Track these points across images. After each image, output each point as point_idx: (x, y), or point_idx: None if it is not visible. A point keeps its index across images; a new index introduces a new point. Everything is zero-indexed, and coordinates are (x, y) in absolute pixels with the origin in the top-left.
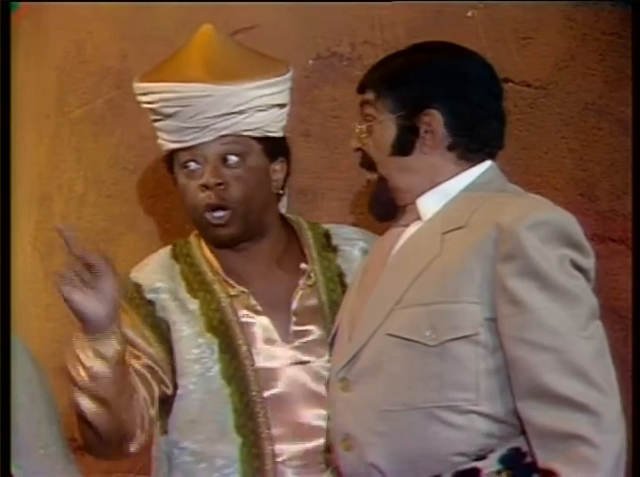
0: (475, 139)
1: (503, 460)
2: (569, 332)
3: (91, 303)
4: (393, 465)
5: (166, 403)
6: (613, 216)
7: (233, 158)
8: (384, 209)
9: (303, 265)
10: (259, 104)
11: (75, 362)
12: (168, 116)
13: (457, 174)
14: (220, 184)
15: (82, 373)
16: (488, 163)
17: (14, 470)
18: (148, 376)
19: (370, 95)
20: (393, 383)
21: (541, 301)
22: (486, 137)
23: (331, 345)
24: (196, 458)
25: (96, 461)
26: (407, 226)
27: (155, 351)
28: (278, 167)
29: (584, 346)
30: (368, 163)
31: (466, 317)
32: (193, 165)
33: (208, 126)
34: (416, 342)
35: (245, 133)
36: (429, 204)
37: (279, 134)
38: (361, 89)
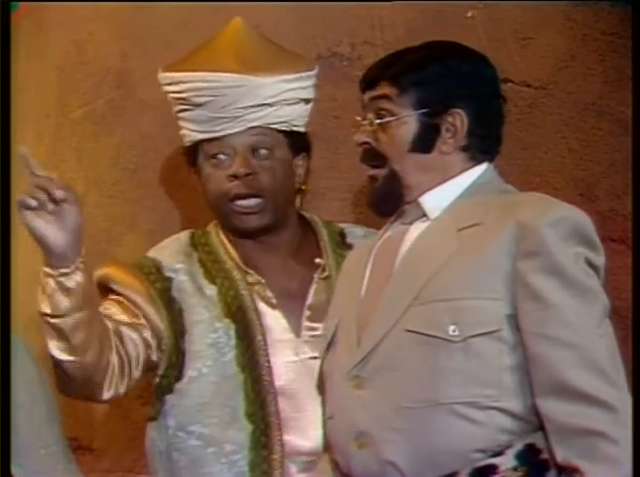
0: (487, 140)
1: (519, 456)
2: (589, 329)
3: (53, 231)
4: (411, 462)
5: (160, 388)
6: (613, 216)
7: (262, 150)
8: (390, 205)
9: (318, 260)
10: (289, 98)
11: (40, 295)
12: (198, 106)
13: (460, 173)
14: (249, 174)
15: (46, 304)
16: (485, 164)
17: (15, 470)
18: (134, 334)
19: (388, 90)
20: (412, 379)
21: (562, 298)
22: (495, 139)
23: (329, 343)
24: (204, 442)
25: (97, 461)
26: (411, 224)
27: (163, 327)
28: (301, 162)
29: (601, 343)
30: (373, 158)
31: (489, 313)
32: (221, 156)
33: (238, 117)
34: (438, 338)
35: (273, 126)
36: (435, 202)
37: (303, 129)
38: (371, 84)
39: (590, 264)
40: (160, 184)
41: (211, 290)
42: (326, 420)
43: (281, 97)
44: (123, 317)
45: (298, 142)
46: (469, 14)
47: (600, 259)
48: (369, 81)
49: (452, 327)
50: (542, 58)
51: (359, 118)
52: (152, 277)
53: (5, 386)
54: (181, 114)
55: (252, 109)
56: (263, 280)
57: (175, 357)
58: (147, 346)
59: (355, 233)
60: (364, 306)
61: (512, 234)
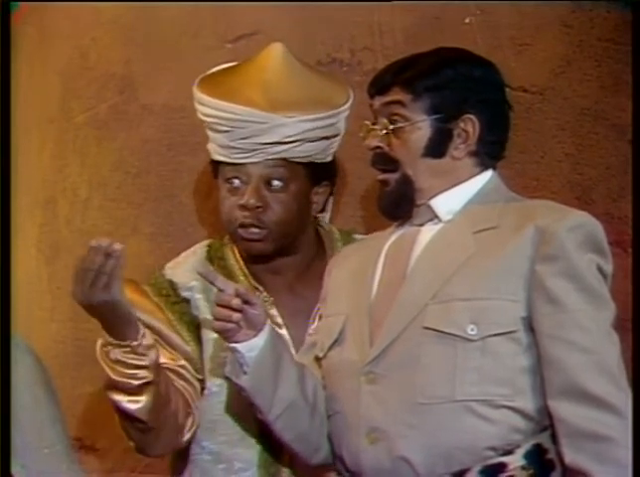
0: (495, 146)
1: (527, 456)
2: (603, 335)
3: None
4: (424, 458)
5: None
6: (609, 219)
7: (276, 182)
8: (401, 209)
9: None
10: (311, 136)
11: None
12: (219, 132)
13: (470, 178)
14: (259, 207)
15: None
16: (491, 171)
17: (19, 470)
18: (187, 374)
19: (401, 96)
20: (428, 375)
21: (579, 303)
22: (503, 145)
23: (335, 341)
24: (214, 458)
25: (100, 461)
26: (422, 226)
27: (191, 349)
28: (321, 190)
29: (613, 349)
30: (385, 162)
31: (506, 314)
32: (236, 182)
33: (257, 150)
34: (457, 336)
35: (292, 159)
36: (447, 205)
37: (327, 160)
38: (382, 90)
39: (601, 272)
40: (162, 188)
41: None
42: (330, 416)
43: (303, 136)
44: (164, 359)
45: (319, 172)
46: (467, 20)
47: (609, 267)
48: (380, 87)
49: (471, 326)
50: (538, 63)
51: (368, 123)
52: (170, 300)
53: (5, 386)
54: (208, 131)
55: (271, 145)
56: (270, 298)
57: (202, 372)
58: (196, 381)
59: None
60: (376, 305)
61: (531, 237)
